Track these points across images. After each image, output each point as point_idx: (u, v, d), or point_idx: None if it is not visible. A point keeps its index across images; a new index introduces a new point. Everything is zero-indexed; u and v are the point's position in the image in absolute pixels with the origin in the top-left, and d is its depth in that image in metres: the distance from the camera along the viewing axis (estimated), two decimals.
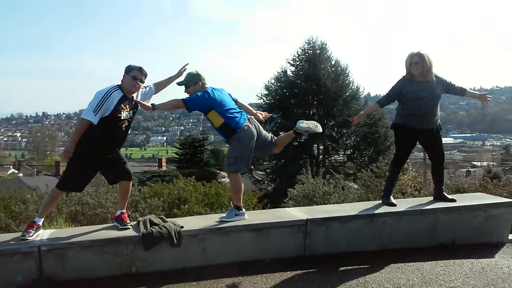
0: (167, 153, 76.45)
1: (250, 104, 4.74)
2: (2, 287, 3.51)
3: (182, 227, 3.94)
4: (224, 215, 4.27)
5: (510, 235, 4.54)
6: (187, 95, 4.27)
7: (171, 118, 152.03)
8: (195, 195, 7.19)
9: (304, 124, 4.37)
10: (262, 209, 8.15)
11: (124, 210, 4.24)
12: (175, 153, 32.66)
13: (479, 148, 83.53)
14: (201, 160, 29.67)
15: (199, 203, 7.00)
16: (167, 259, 3.87)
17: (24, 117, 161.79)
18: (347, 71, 25.64)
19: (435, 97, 4.49)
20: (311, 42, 25.89)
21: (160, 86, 4.45)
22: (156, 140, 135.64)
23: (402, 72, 4.58)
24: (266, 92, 25.91)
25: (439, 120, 4.63)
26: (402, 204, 4.61)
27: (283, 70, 26.02)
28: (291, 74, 26.04)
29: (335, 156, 26.82)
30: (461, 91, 4.69)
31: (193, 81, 4.27)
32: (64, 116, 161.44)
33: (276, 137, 4.64)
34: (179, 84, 4.36)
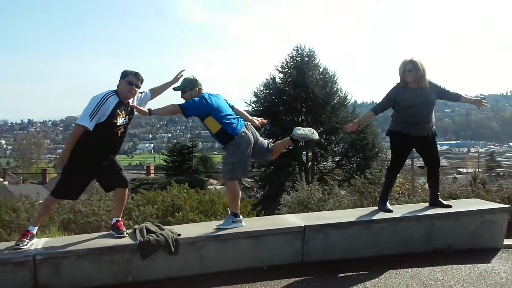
0: (154, 160, 75.97)
1: None
2: None
3: (179, 234, 3.88)
4: (221, 222, 4.23)
5: (505, 240, 4.57)
6: (183, 101, 4.24)
7: (158, 125, 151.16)
8: (189, 203, 7.12)
9: (300, 131, 4.37)
10: (256, 216, 8.11)
11: (120, 218, 4.18)
12: (164, 160, 32.38)
13: (465, 155, 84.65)
14: (190, 167, 29.46)
15: (194, 210, 6.93)
16: (164, 267, 3.81)
17: (9, 124, 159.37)
18: (335, 78, 25.81)
19: (429, 104, 4.51)
20: (299, 49, 26.02)
21: (155, 92, 4.42)
22: (143, 147, 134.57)
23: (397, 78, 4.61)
24: (255, 99, 25.92)
25: (434, 127, 4.65)
26: (398, 210, 4.62)
27: (272, 77, 26.06)
28: (280, 81, 26.06)
29: (324, 163, 26.88)
30: (455, 97, 4.69)
31: (189, 86, 4.25)
32: (50, 123, 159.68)
33: (272, 144, 4.64)
34: (175, 89, 4.33)
